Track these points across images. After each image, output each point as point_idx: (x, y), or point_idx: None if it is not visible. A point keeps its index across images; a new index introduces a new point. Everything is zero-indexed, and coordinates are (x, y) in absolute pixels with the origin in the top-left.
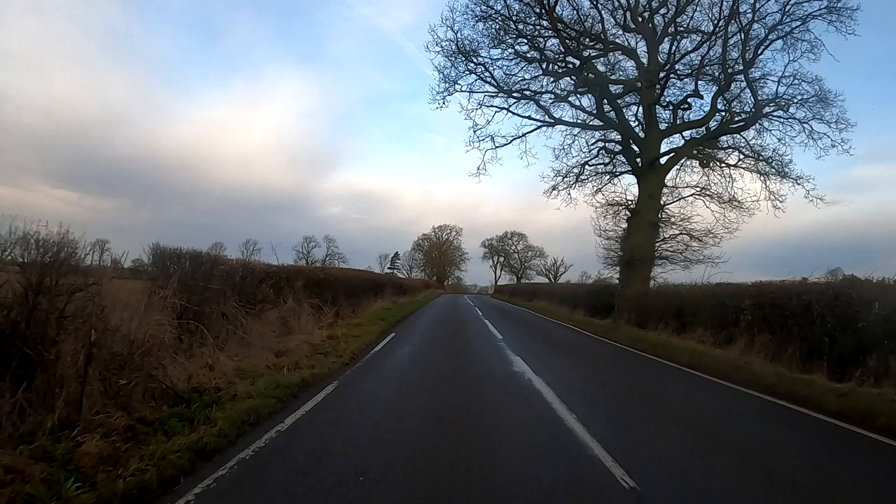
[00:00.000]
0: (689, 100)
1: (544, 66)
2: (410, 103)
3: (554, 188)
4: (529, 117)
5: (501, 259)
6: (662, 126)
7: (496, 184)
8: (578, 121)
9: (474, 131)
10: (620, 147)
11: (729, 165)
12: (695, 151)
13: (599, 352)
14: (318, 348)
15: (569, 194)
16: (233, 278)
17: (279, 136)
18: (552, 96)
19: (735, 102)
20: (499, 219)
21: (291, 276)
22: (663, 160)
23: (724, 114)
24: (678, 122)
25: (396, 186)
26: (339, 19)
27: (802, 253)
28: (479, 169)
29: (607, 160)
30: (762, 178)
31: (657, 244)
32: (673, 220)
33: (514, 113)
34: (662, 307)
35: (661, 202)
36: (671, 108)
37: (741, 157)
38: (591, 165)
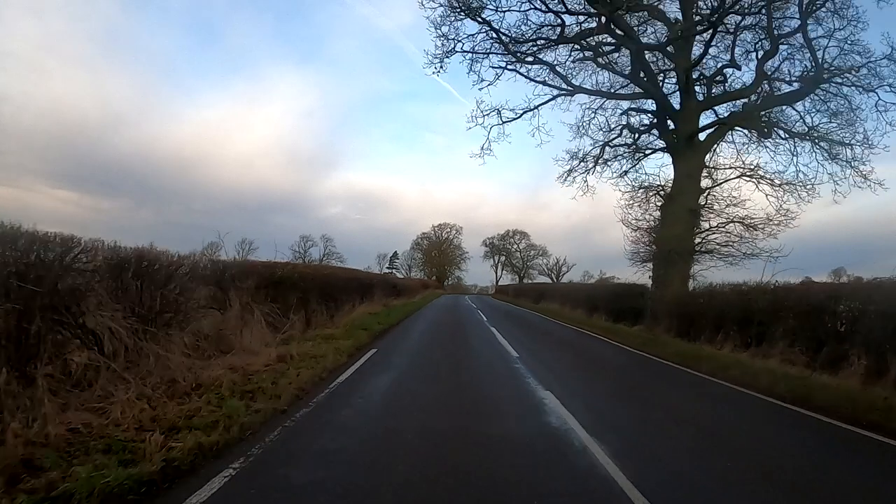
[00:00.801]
0: (724, 71)
1: (559, 29)
2: (410, 103)
3: (569, 173)
4: (544, 83)
5: (503, 258)
6: (700, 97)
7: (496, 184)
8: (602, 89)
9: (478, 105)
10: (654, 120)
11: (794, 135)
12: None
13: (656, 379)
14: (252, 381)
15: (585, 181)
16: (116, 276)
17: (279, 136)
18: (577, 49)
19: (773, 74)
20: (499, 219)
21: (240, 275)
22: (703, 135)
23: (770, 83)
24: (712, 95)
25: (396, 186)
26: (339, 19)
27: (801, 252)
28: (483, 148)
29: (632, 140)
30: (845, 149)
31: (701, 235)
32: (716, 206)
33: (525, 76)
34: (718, 313)
35: (702, 185)
36: (704, 81)
37: (787, 136)
38: (612, 146)
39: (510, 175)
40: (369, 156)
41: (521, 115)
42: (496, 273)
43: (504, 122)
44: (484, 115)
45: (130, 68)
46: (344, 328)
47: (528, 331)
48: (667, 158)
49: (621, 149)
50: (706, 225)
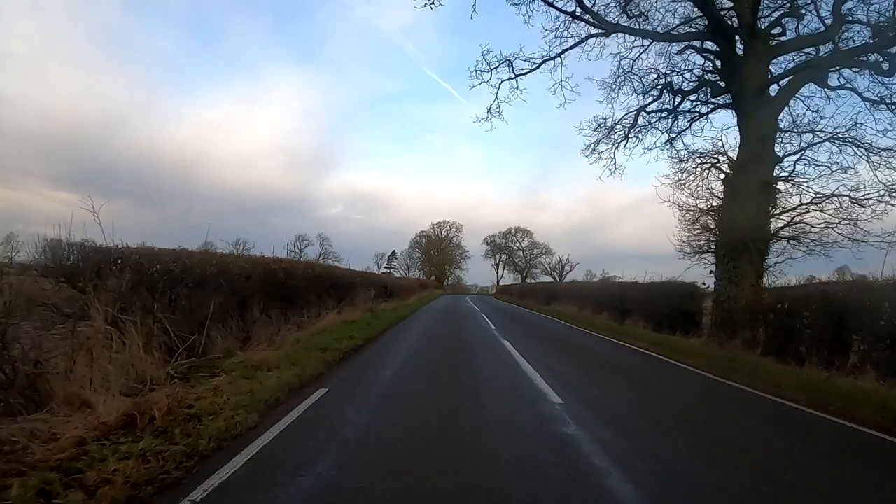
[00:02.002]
0: (783, 21)
1: None
2: (410, 103)
3: (594, 147)
4: (574, 14)
5: (504, 257)
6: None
7: (496, 184)
8: (647, 28)
9: (483, 56)
10: (717, 64)
11: None
12: (868, 57)
13: (840, 457)
14: None
15: (613, 156)
16: None
17: (279, 136)
18: None
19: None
20: (499, 219)
21: (104, 268)
22: (775, 88)
23: (850, 24)
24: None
25: (396, 186)
26: (339, 19)
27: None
28: (490, 110)
29: (671, 105)
30: None
31: (785, 216)
32: (799, 178)
33: (548, 2)
34: (840, 324)
35: (777, 152)
36: (761, 34)
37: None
38: (648, 112)
39: (510, 175)
40: (369, 156)
41: (540, 65)
42: (497, 272)
43: (517, 76)
44: (491, 69)
45: (130, 68)
46: (291, 348)
47: (555, 347)
48: (719, 124)
49: (660, 114)
50: (789, 202)
